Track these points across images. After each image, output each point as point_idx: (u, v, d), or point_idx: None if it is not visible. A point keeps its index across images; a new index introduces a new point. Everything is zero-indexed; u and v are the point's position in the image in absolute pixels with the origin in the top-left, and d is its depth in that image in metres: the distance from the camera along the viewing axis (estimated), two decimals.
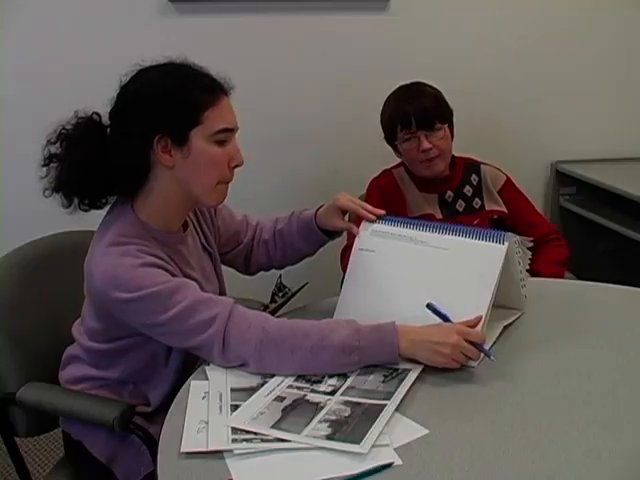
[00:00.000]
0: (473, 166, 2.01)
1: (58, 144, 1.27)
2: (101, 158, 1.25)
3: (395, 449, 0.98)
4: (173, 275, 1.25)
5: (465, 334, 1.18)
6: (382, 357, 1.20)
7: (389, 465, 0.95)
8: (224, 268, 1.55)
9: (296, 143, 2.52)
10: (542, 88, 2.68)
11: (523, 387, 1.16)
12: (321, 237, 1.50)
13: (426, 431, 1.03)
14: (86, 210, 1.30)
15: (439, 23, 2.53)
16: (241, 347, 1.19)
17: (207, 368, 1.23)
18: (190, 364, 1.31)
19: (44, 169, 1.27)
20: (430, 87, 1.93)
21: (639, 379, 1.18)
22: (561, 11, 2.62)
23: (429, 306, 1.26)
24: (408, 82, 1.96)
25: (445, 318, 1.24)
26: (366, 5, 2.46)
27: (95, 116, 1.29)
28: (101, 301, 1.24)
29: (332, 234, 1.50)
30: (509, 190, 1.99)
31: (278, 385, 1.16)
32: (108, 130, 1.29)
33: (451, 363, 1.19)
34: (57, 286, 1.53)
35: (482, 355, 1.22)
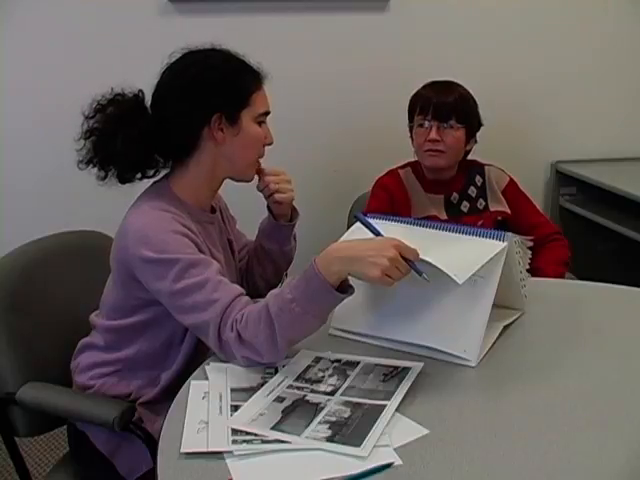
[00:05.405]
0: (477, 167, 2.02)
1: (97, 117, 1.32)
2: (148, 132, 1.32)
3: (395, 449, 0.98)
4: (200, 250, 1.28)
5: (402, 249, 1.14)
6: (319, 293, 1.14)
7: (389, 465, 0.95)
8: None
9: (296, 144, 2.51)
10: (542, 88, 2.68)
11: (523, 387, 1.16)
12: (282, 226, 1.55)
13: (426, 431, 1.03)
14: (123, 181, 1.35)
15: (439, 23, 2.54)
16: (230, 341, 1.19)
17: (207, 368, 1.23)
18: (202, 352, 1.32)
19: (81, 142, 1.32)
20: (462, 88, 1.94)
21: (639, 379, 1.18)
22: (561, 11, 2.62)
23: (357, 217, 1.20)
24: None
25: (377, 232, 1.18)
26: (366, 5, 2.47)
27: (141, 94, 1.37)
28: (126, 259, 1.27)
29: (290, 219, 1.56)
30: (512, 190, 2.00)
31: (278, 385, 1.16)
32: (148, 105, 1.36)
33: (384, 279, 1.12)
34: (57, 286, 1.53)
35: (480, 354, 1.23)
